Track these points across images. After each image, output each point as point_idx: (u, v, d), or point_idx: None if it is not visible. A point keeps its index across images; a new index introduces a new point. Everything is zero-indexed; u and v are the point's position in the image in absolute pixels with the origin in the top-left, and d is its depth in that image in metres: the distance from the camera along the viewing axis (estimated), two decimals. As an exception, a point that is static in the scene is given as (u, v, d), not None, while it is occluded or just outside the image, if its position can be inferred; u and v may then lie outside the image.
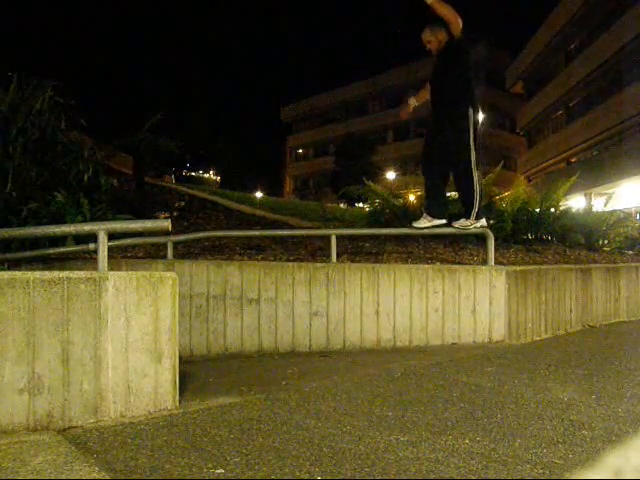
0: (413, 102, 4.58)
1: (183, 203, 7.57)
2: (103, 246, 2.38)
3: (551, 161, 27.79)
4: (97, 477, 1.53)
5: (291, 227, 6.64)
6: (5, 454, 1.68)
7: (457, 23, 3.92)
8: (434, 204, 4.24)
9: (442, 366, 3.08)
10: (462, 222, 4.18)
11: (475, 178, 4.09)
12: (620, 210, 7.69)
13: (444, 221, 4.21)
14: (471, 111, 4.06)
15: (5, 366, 1.94)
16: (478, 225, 4.16)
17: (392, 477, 1.57)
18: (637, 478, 0.44)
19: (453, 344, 3.86)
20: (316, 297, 3.89)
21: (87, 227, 2.68)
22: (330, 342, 3.87)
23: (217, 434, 1.91)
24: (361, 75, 44.25)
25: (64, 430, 1.96)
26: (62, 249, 3.99)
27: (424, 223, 4.19)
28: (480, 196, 4.14)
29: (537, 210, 6.14)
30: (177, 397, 2.30)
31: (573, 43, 26.21)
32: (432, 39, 4.13)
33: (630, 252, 6.90)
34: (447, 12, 3.89)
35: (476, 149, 4.09)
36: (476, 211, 4.13)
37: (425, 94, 4.52)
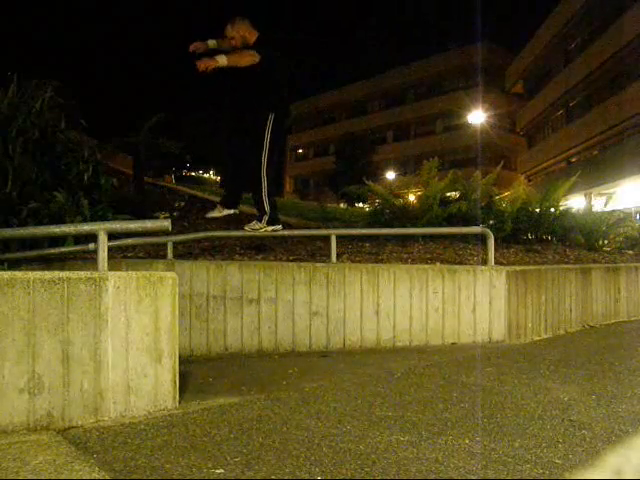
0: (212, 44, 4.12)
1: (183, 203, 7.55)
2: (103, 246, 2.38)
3: (551, 161, 27.78)
4: (97, 477, 1.53)
5: (291, 227, 6.64)
6: (5, 454, 1.68)
7: (250, 61, 3.93)
8: (229, 194, 4.39)
9: (442, 366, 3.08)
10: (253, 225, 4.25)
11: (264, 181, 4.13)
12: (620, 210, 7.69)
13: (235, 211, 4.38)
14: (271, 116, 4.07)
15: (5, 366, 1.94)
16: (270, 229, 4.20)
17: (392, 477, 1.57)
18: (637, 478, 0.44)
19: (453, 344, 3.86)
20: (316, 297, 3.89)
21: (87, 227, 2.68)
22: (330, 342, 3.86)
23: (217, 434, 1.91)
24: (361, 75, 44.26)
25: (64, 430, 1.95)
26: (62, 249, 3.98)
27: (216, 213, 4.32)
28: (270, 203, 4.17)
29: (537, 210, 6.14)
30: (177, 397, 2.30)
31: (573, 43, 26.20)
32: (235, 34, 4.10)
33: (630, 252, 6.90)
34: (241, 61, 3.92)
35: (269, 153, 4.10)
36: (268, 216, 4.19)
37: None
